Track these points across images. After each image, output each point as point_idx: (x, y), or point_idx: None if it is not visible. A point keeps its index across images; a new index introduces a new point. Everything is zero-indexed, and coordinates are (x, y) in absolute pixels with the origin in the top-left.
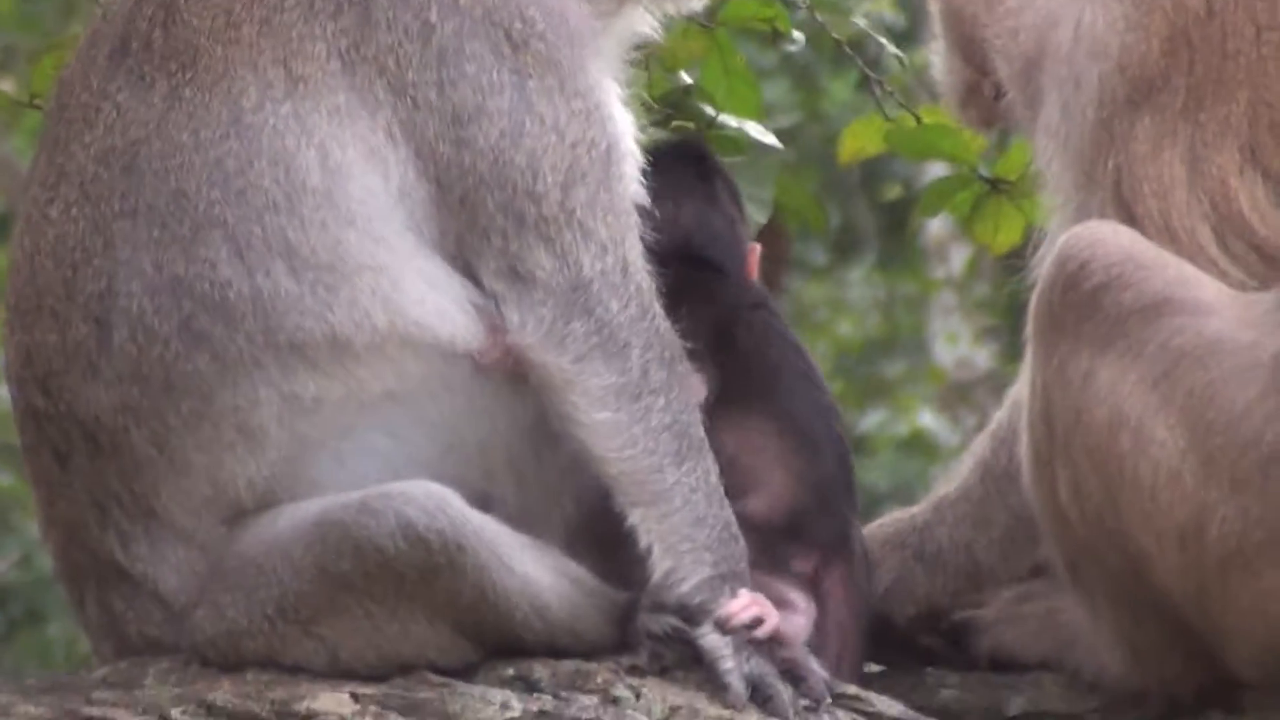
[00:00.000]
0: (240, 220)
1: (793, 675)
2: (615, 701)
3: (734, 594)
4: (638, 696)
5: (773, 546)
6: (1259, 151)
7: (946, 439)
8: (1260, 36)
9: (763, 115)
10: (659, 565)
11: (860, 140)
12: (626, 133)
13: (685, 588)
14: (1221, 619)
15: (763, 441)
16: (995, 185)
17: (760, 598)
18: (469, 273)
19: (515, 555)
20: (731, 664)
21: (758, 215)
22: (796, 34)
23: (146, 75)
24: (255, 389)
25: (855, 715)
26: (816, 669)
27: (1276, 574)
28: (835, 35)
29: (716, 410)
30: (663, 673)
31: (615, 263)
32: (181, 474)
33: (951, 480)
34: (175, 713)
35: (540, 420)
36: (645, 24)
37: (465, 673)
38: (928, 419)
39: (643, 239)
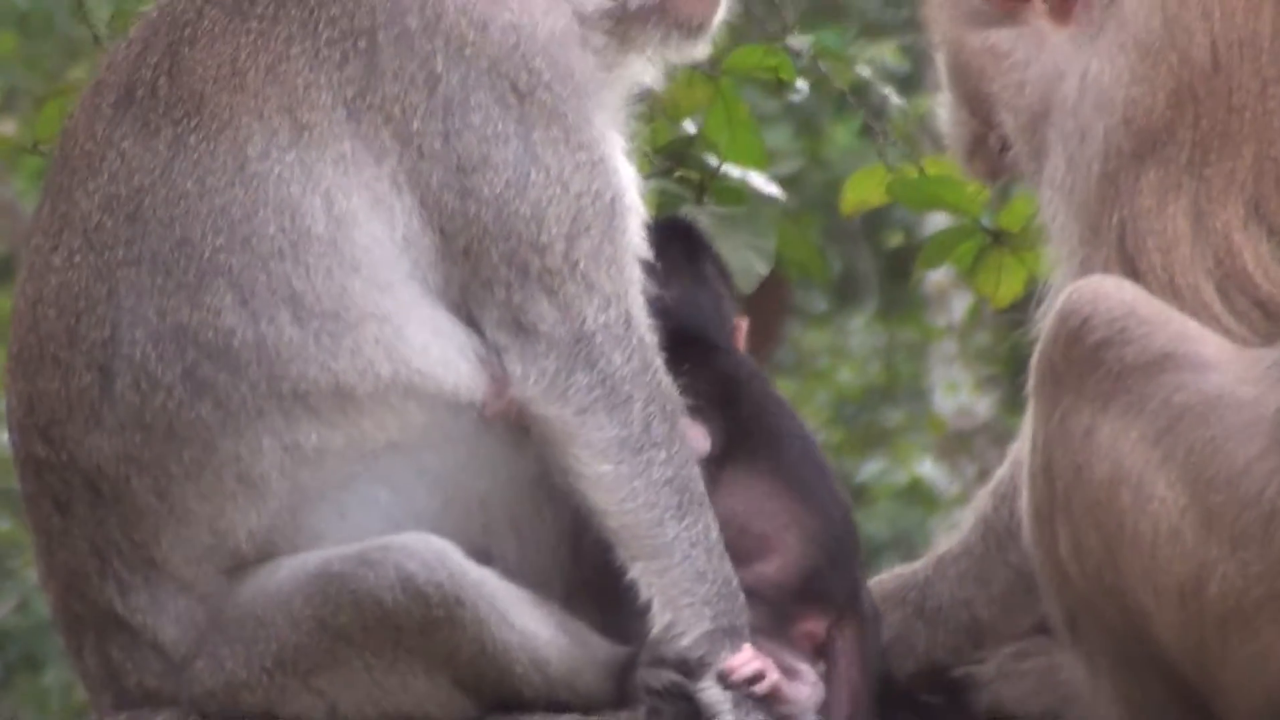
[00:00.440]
0: (245, 268)
1: None
2: None
3: (734, 649)
4: None
5: (784, 611)
6: (1263, 206)
7: (946, 488)
8: (1266, 91)
9: (766, 164)
10: (659, 619)
11: (863, 191)
12: (630, 185)
13: (685, 642)
14: (1220, 676)
15: (773, 505)
16: (997, 237)
17: (761, 654)
18: (473, 323)
19: (515, 609)
20: (731, 719)
21: (760, 266)
22: (800, 83)
23: (151, 123)
24: (258, 438)
25: None
26: None
27: (1276, 631)
28: (838, 84)
29: (724, 474)
30: None
31: (618, 315)
32: (182, 523)
33: (953, 536)
34: None
35: (542, 475)
36: (649, 74)
37: None
38: (927, 468)
39: (645, 293)
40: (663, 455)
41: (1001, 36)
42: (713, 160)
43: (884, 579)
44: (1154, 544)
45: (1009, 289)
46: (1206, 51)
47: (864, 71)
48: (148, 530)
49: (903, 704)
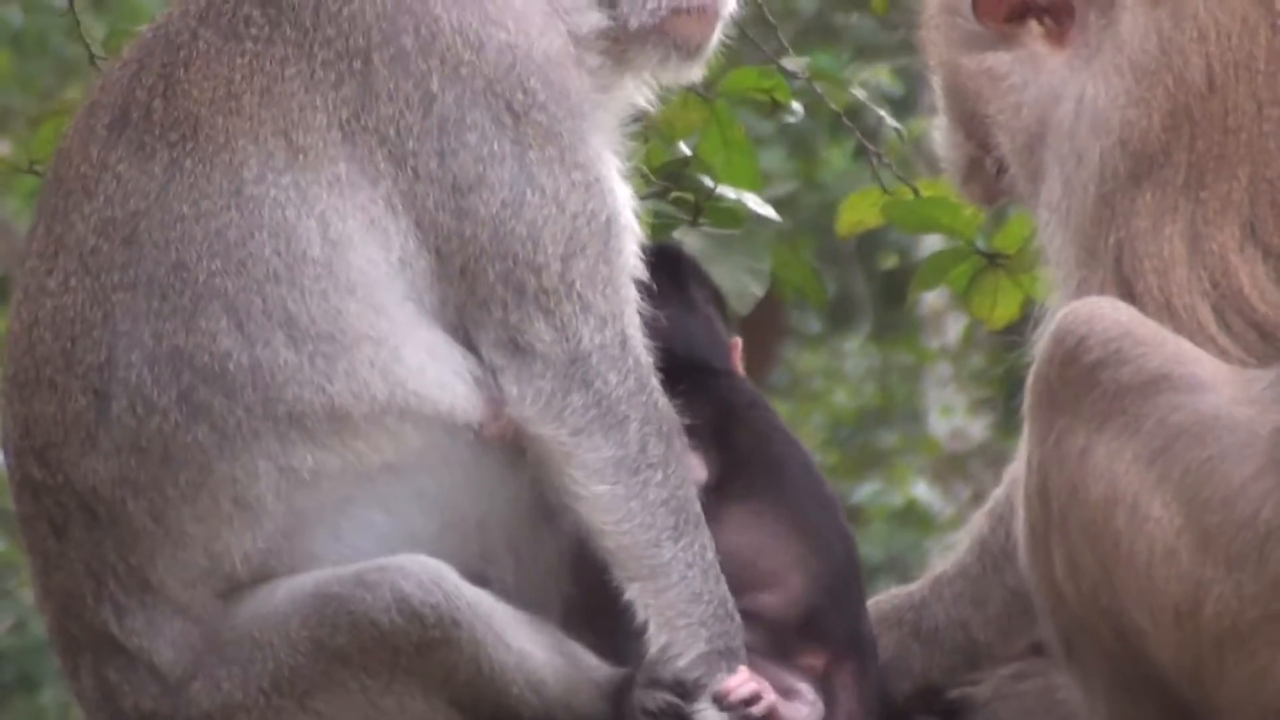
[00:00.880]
0: (240, 291)
1: None
2: None
3: (731, 670)
4: None
5: (783, 640)
6: (1259, 228)
7: (940, 510)
8: (1261, 113)
9: (761, 186)
10: (655, 640)
11: (858, 213)
12: (626, 206)
13: (681, 663)
14: (1216, 696)
15: (775, 541)
16: (993, 259)
17: (757, 675)
18: (469, 344)
19: (511, 630)
20: None
21: (755, 288)
22: (795, 105)
23: (147, 146)
24: (253, 461)
25: None
26: None
27: (1272, 652)
28: (833, 106)
29: (724, 506)
30: None
31: (614, 336)
32: (178, 546)
33: (949, 557)
34: None
35: (540, 498)
36: (644, 95)
37: None
38: (922, 490)
39: (641, 314)
40: (659, 476)
41: (998, 60)
42: (708, 182)
43: (880, 600)
44: (1150, 564)
45: (1004, 311)
46: (1202, 73)
47: (859, 94)
48: (143, 553)
49: None
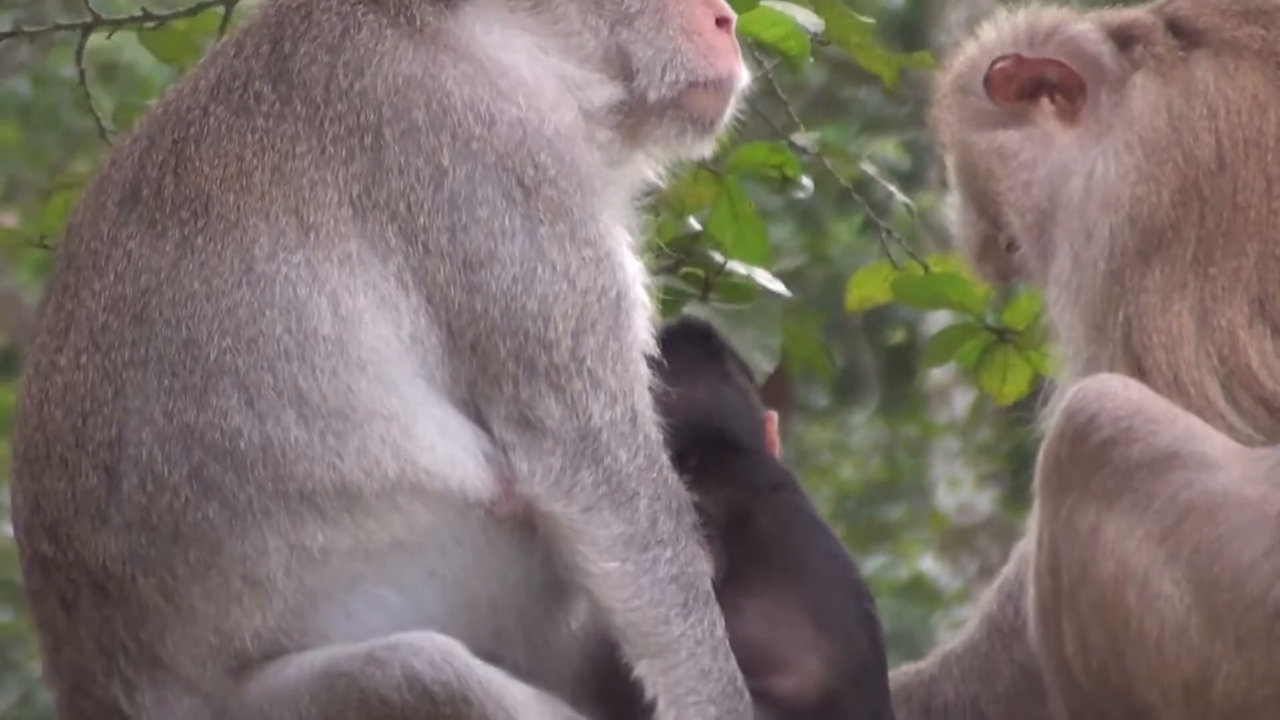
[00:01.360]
0: (251, 368)
1: None
2: None
3: None
4: None
5: None
6: (1268, 305)
7: (948, 584)
8: (1271, 189)
9: (772, 261)
10: (664, 717)
11: (867, 288)
12: (636, 281)
13: None
14: None
15: (792, 631)
16: (1002, 335)
17: None
18: (480, 420)
19: (522, 708)
20: None
21: (765, 364)
22: (806, 180)
23: (158, 223)
24: (264, 538)
25: None
26: None
27: None
28: (842, 180)
29: (740, 598)
30: None
31: (624, 412)
32: (188, 623)
33: (959, 634)
34: None
35: (552, 577)
36: (654, 171)
37: None
38: (929, 564)
39: (651, 390)
40: (669, 553)
41: (1009, 137)
42: (718, 257)
43: (889, 676)
44: (1159, 642)
45: (1014, 387)
46: (1212, 150)
47: (868, 168)
48: (153, 630)
49: None
